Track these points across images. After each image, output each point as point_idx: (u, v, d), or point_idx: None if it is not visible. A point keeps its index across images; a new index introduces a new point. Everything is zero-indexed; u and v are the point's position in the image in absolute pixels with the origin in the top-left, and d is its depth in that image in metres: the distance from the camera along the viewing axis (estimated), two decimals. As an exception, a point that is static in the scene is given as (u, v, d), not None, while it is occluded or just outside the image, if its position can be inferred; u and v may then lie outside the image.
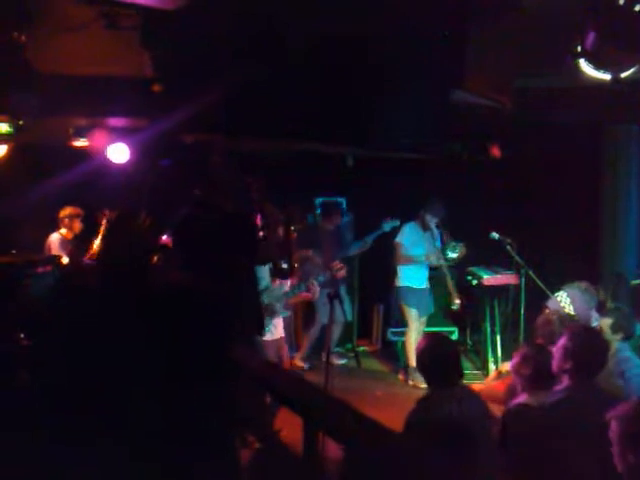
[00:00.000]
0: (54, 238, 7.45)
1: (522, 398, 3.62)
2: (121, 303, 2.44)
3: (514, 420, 3.40)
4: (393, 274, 7.49)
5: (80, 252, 6.63)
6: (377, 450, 1.93)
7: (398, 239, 7.28)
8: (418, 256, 7.23)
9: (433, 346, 3.63)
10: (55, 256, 6.90)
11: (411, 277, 7.27)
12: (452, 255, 7.20)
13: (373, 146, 6.86)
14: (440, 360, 3.55)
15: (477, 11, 4.78)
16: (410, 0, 4.54)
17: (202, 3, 4.69)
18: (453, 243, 7.19)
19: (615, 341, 4.46)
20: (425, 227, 7.25)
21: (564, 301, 5.29)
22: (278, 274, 5.55)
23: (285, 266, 5.51)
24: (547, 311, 5.00)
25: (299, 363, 7.63)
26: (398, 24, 4.76)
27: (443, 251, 7.26)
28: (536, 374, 3.59)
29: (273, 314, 5.42)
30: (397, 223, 7.48)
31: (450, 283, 7.32)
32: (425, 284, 7.36)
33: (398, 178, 7.89)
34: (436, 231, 7.33)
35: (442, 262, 7.28)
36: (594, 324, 4.86)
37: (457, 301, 7.28)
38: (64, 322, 2.49)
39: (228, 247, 3.00)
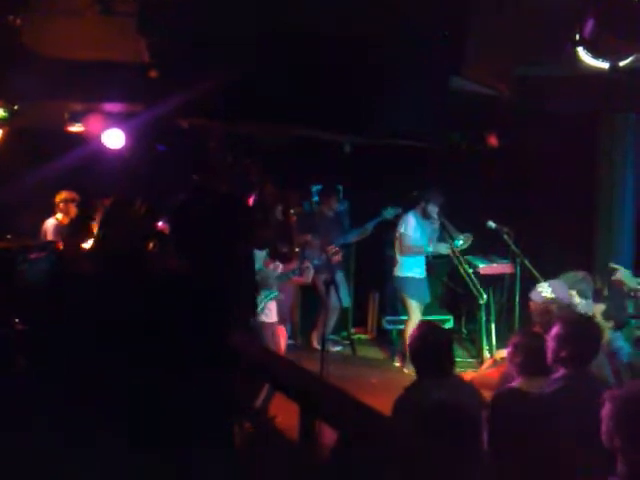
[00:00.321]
0: (50, 223, 7.42)
1: (515, 383, 3.63)
2: (118, 289, 2.44)
3: (504, 402, 3.40)
4: (391, 263, 7.48)
5: (76, 238, 6.61)
6: (373, 436, 1.94)
7: (403, 230, 7.15)
8: (425, 246, 7.17)
9: (426, 334, 3.62)
10: (51, 242, 6.87)
11: (412, 267, 7.21)
12: (459, 245, 7.14)
13: (371, 134, 6.85)
14: (433, 348, 3.54)
15: (476, 1, 4.77)
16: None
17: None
18: (460, 235, 7.13)
19: (607, 329, 4.48)
20: (425, 216, 7.19)
21: (545, 291, 5.26)
22: (279, 258, 5.50)
23: (286, 250, 5.45)
24: (545, 299, 4.96)
25: (317, 346, 7.54)
26: (398, 14, 4.75)
27: (450, 241, 7.16)
28: (529, 361, 3.60)
29: (266, 287, 5.36)
30: (399, 211, 7.42)
31: (471, 276, 7.22)
32: (424, 274, 7.32)
33: (395, 166, 7.87)
34: (437, 220, 7.22)
35: (449, 251, 7.21)
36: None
37: (485, 296, 7.11)
38: (60, 308, 2.48)
39: (224, 230, 2.99)
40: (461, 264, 7.29)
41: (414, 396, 3.40)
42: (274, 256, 5.50)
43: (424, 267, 7.32)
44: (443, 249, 7.23)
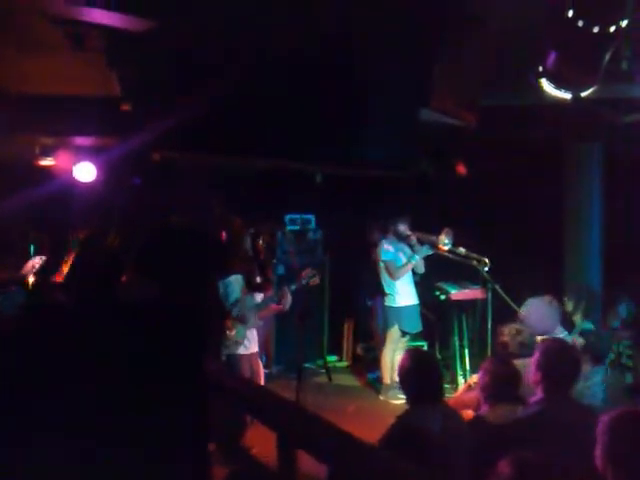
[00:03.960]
0: (37, 261, 7.25)
1: (482, 411, 3.66)
2: (91, 321, 2.44)
3: (472, 432, 3.43)
4: (366, 289, 7.45)
5: (50, 270, 6.53)
6: (355, 464, 1.95)
7: (384, 257, 7.18)
8: (411, 258, 7.14)
9: (420, 362, 3.60)
10: (22, 275, 6.76)
11: (404, 296, 7.23)
12: (444, 242, 7.04)
13: (343, 164, 6.94)
14: (427, 377, 3.53)
15: (443, 32, 4.89)
16: (380, 22, 4.64)
17: (169, 25, 4.73)
18: (420, 247, 7.16)
19: (585, 362, 4.51)
20: (400, 238, 7.20)
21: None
22: (254, 288, 5.54)
23: (259, 280, 5.48)
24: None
25: None
26: (368, 48, 4.85)
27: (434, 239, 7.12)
28: (494, 387, 3.63)
29: (245, 322, 5.37)
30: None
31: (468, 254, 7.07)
32: (418, 300, 7.35)
33: (366, 195, 7.96)
34: (412, 235, 7.20)
35: (433, 250, 7.13)
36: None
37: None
38: (34, 340, 2.47)
39: (192, 264, 2.99)
40: (454, 249, 7.06)
41: (407, 424, 3.38)
42: (250, 287, 5.54)
43: (416, 293, 7.34)
44: (425, 251, 7.17)
